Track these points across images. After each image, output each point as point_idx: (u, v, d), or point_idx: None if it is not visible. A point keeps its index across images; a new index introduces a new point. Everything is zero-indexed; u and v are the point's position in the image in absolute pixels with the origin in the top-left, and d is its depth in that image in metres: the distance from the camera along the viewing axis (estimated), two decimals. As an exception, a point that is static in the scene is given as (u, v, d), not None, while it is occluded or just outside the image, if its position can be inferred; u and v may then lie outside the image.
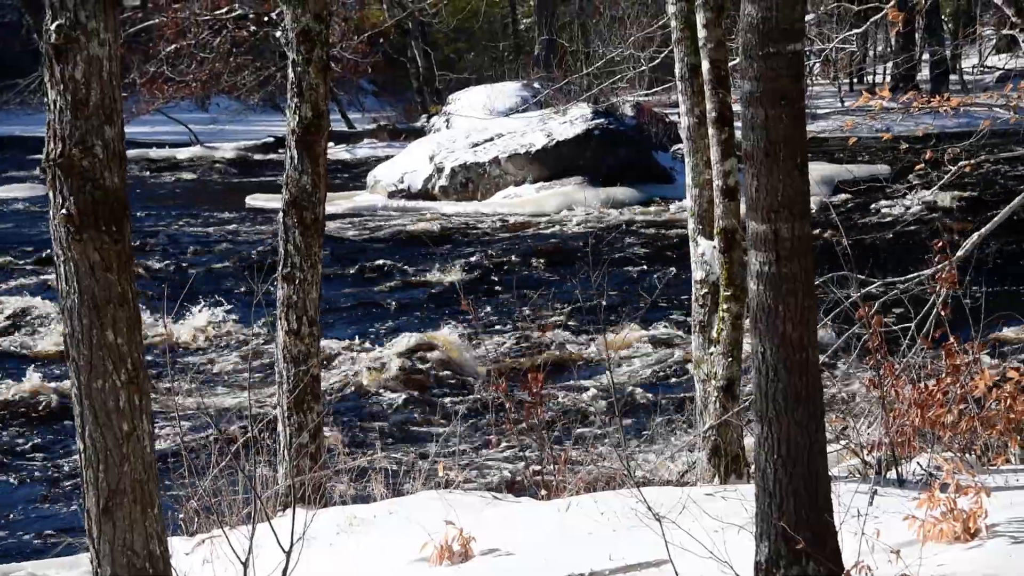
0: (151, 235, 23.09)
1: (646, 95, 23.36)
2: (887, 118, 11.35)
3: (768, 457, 5.53)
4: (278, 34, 9.91)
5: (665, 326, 16.64)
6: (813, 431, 5.54)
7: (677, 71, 9.71)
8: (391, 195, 26.59)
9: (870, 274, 9.23)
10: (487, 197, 25.89)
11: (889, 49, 37.72)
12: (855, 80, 37.93)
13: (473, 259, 21.02)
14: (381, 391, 14.72)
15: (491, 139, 26.52)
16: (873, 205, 23.50)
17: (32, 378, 14.74)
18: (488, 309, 17.69)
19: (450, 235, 23.33)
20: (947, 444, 7.88)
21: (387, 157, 29.56)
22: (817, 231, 6.12)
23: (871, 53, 39.36)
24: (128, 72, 22.88)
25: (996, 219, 9.15)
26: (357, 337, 16.50)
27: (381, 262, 20.99)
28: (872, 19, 12.10)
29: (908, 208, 22.42)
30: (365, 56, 29.63)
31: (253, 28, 18.10)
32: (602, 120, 25.97)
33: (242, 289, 18.39)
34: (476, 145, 26.57)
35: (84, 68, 4.72)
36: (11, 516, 11.35)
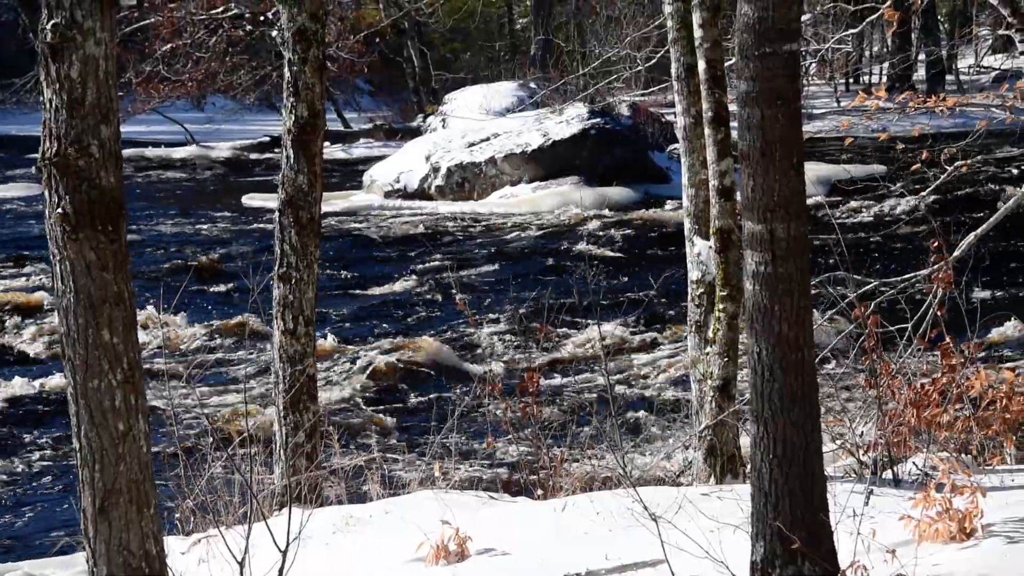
0: (147, 235, 23.08)
1: (642, 95, 23.37)
2: (883, 118, 11.36)
3: (764, 457, 5.53)
4: (274, 33, 9.92)
5: (661, 326, 16.65)
6: (809, 431, 5.54)
7: (673, 71, 9.71)
8: (387, 195, 26.59)
9: (866, 274, 9.24)
10: (483, 197, 25.90)
11: (885, 49, 37.74)
12: (851, 80, 37.96)
13: (469, 259, 21.02)
14: (377, 390, 14.72)
15: (487, 139, 26.53)
16: (869, 205, 23.53)
17: (28, 378, 14.73)
18: (483, 309, 17.68)
19: (446, 235, 23.32)
20: (943, 444, 7.89)
21: (383, 157, 29.56)
22: (813, 231, 6.11)
23: (867, 53, 39.39)
24: (124, 71, 22.85)
25: (992, 219, 9.16)
26: (353, 337, 16.50)
27: (377, 262, 20.99)
28: (868, 19, 12.10)
29: (904, 208, 22.45)
30: (361, 56, 29.64)
31: (249, 27, 18.08)
32: (598, 120, 25.98)
33: (238, 289, 18.38)
34: (472, 145, 26.58)
35: (80, 67, 4.72)
36: (7, 515, 11.34)
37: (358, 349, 15.94)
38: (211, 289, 18.97)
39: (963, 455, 7.85)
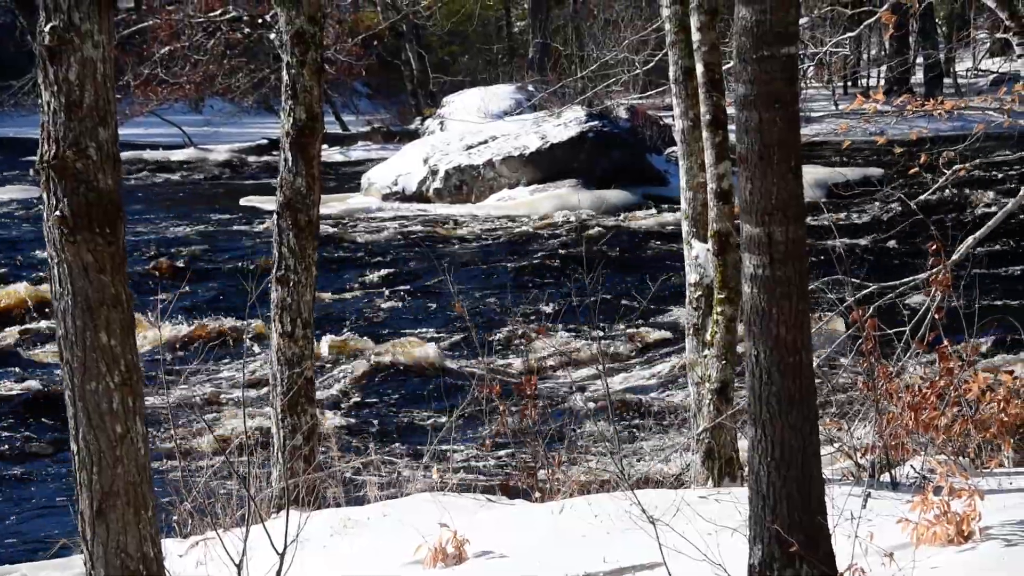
0: (145, 237, 23.07)
1: (640, 98, 23.37)
2: (881, 121, 11.35)
3: (762, 460, 5.53)
4: (272, 36, 9.92)
5: (659, 329, 16.65)
6: (807, 434, 5.54)
7: (671, 74, 9.71)
8: (385, 197, 26.58)
9: (864, 277, 9.24)
10: (481, 199, 25.89)
11: (883, 52, 37.75)
12: (849, 83, 37.96)
13: (466, 262, 21.02)
14: (375, 393, 14.72)
15: (485, 142, 26.53)
16: (867, 208, 23.54)
17: (25, 380, 14.72)
18: (482, 311, 17.68)
19: (444, 237, 23.33)
20: (940, 447, 7.89)
21: (381, 159, 29.55)
22: (811, 234, 6.11)
23: (865, 56, 39.40)
24: (122, 74, 22.85)
25: (990, 223, 9.16)
26: (351, 339, 16.49)
27: (375, 264, 20.98)
28: (866, 22, 12.11)
29: (902, 211, 22.46)
30: (359, 58, 29.65)
31: (247, 30, 18.08)
32: (596, 123, 25.98)
33: (236, 291, 18.38)
34: (470, 148, 26.58)
35: (78, 70, 4.72)
36: (5, 518, 11.33)
37: (356, 351, 15.93)
38: (209, 291, 18.96)
39: (961, 458, 7.86)
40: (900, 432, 7.91)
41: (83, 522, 4.94)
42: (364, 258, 21.58)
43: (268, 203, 23.05)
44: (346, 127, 36.99)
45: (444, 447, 9.92)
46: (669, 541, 6.03)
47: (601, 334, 15.80)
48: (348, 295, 19.17)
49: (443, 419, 10.14)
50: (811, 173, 24.04)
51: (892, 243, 20.24)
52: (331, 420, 13.21)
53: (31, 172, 27.41)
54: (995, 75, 34.11)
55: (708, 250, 9.31)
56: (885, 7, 10.02)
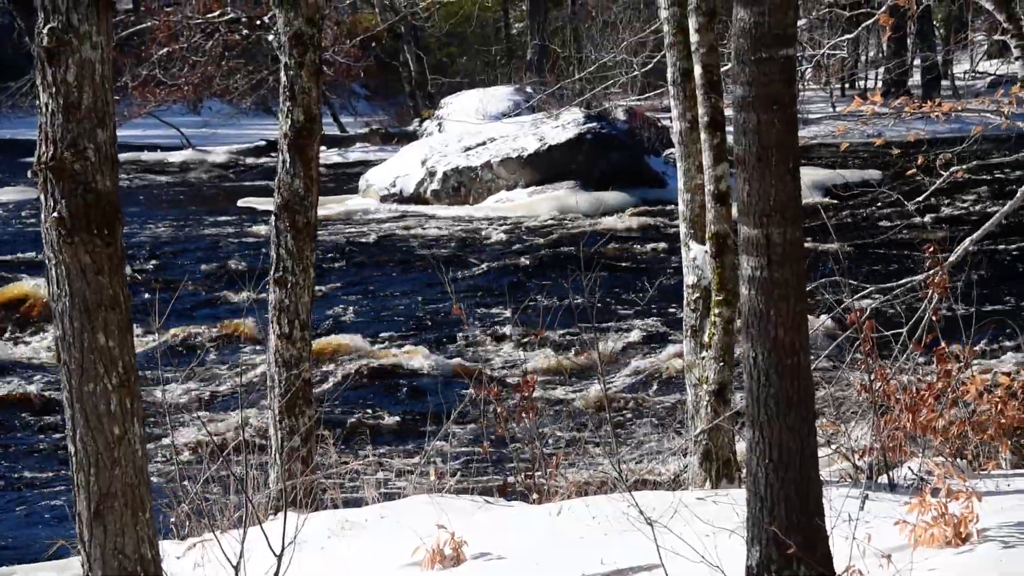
0: (143, 238, 23.06)
1: (638, 100, 23.37)
2: (879, 123, 11.35)
3: (759, 461, 5.53)
4: (270, 38, 9.92)
5: (656, 330, 16.65)
6: (805, 436, 5.54)
7: (669, 76, 9.71)
8: (383, 199, 26.58)
9: (862, 279, 9.24)
10: (479, 201, 25.89)
11: (881, 54, 37.78)
12: (847, 85, 37.97)
13: (465, 263, 21.02)
14: (373, 395, 14.72)
15: (483, 143, 26.53)
16: (865, 210, 23.54)
17: (23, 381, 14.72)
18: (480, 313, 17.68)
19: (442, 239, 23.32)
20: (938, 449, 7.90)
21: (379, 161, 29.55)
22: (809, 236, 6.12)
23: (863, 58, 39.42)
24: (120, 75, 22.85)
25: (988, 224, 9.16)
26: (349, 341, 16.49)
27: (373, 266, 20.98)
28: (864, 24, 12.12)
29: (900, 213, 22.46)
30: (357, 60, 29.65)
31: (245, 32, 18.09)
32: (594, 124, 25.98)
33: (234, 293, 18.38)
34: (468, 149, 26.57)
35: (76, 71, 4.72)
36: (2, 519, 11.32)
37: (354, 353, 15.93)
38: (207, 293, 18.96)
39: (958, 460, 7.86)
40: (898, 434, 7.92)
41: (81, 523, 4.94)
42: (362, 260, 21.57)
43: (266, 204, 23.05)
44: (344, 128, 36.98)
45: (442, 448, 9.91)
46: (667, 543, 6.03)
47: (599, 336, 15.80)
48: (346, 297, 19.17)
49: (441, 420, 10.13)
50: (809, 175, 24.06)
51: (889, 245, 20.25)
52: (329, 422, 13.21)
53: (29, 174, 27.27)
54: (993, 77, 34.14)
55: (706, 252, 9.31)
56: (883, 9, 10.02)
